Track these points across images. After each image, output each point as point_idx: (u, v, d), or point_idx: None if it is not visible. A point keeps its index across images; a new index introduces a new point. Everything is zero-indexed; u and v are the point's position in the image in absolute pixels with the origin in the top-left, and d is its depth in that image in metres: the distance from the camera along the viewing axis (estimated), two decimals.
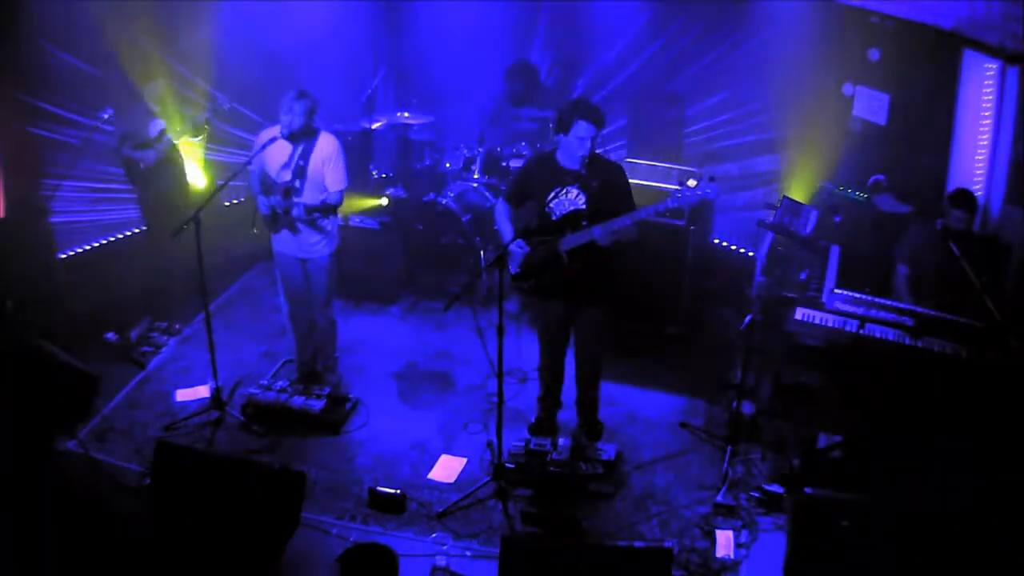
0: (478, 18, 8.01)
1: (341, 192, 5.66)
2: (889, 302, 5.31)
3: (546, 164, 5.09)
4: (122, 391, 6.06)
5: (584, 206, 4.98)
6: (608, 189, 4.96)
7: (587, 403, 5.61)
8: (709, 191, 4.77)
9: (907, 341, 5.04)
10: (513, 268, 5.13)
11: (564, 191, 5.00)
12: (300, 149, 5.55)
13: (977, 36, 5.62)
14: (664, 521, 5.05)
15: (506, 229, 5.24)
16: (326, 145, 5.58)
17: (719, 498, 5.14)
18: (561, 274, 5.07)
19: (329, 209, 5.62)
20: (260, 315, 7.09)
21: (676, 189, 4.84)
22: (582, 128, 4.85)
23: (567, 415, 5.79)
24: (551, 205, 5.05)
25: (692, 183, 4.89)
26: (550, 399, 5.66)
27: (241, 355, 6.53)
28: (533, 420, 5.74)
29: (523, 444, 5.44)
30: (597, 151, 5.03)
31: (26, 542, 4.47)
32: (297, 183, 5.56)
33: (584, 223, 4.96)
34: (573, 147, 4.92)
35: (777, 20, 7.29)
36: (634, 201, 5.00)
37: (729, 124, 7.92)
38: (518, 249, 5.08)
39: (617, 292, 5.28)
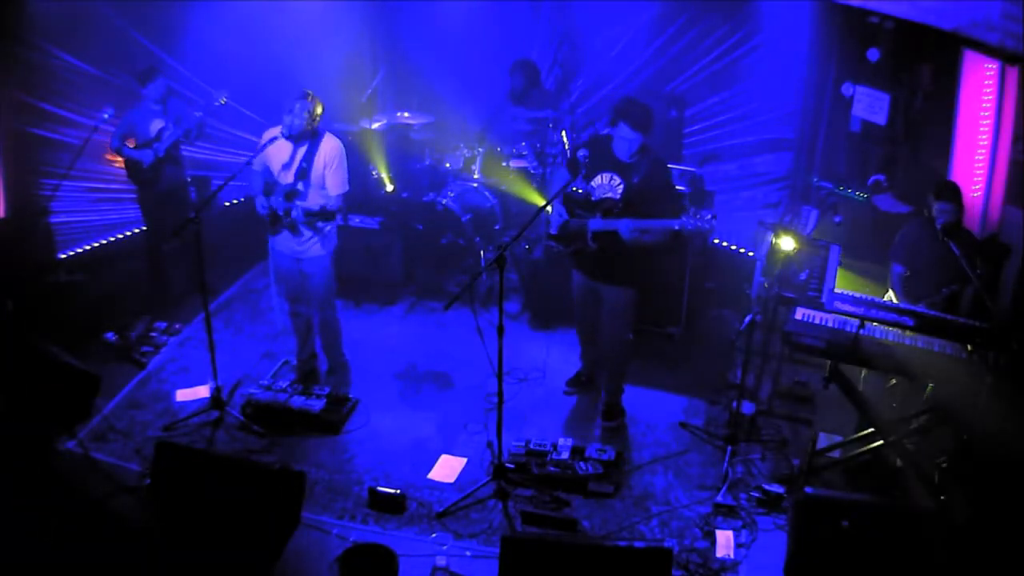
0: (478, 18, 8.01)
1: (341, 196, 5.66)
2: (889, 302, 5.32)
3: (600, 146, 5.33)
4: (122, 391, 6.06)
5: (618, 196, 5.23)
6: (646, 189, 5.19)
7: (605, 381, 5.86)
8: (707, 227, 4.96)
9: (907, 341, 5.03)
10: (552, 229, 5.49)
11: (608, 176, 5.27)
12: (304, 151, 5.55)
13: (977, 36, 5.61)
14: (664, 521, 5.06)
15: (556, 185, 5.47)
16: (329, 147, 5.56)
17: (719, 498, 5.14)
18: (584, 250, 5.37)
19: (329, 216, 5.61)
20: (260, 315, 7.09)
21: (685, 219, 4.98)
22: (622, 129, 5.16)
23: (567, 418, 5.80)
24: (592, 185, 5.32)
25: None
26: (586, 355, 6.03)
27: (241, 355, 6.53)
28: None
29: (523, 444, 5.45)
30: (654, 150, 5.30)
31: (26, 542, 4.47)
32: (300, 185, 5.56)
33: (615, 212, 5.22)
34: (617, 142, 5.21)
35: (777, 20, 7.30)
36: (671, 206, 5.17)
37: (729, 124, 7.92)
38: (558, 218, 5.43)
39: (642, 282, 5.54)
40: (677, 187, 6.48)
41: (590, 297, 5.63)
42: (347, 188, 5.67)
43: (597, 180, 5.30)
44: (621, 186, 5.23)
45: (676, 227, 4.99)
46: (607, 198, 5.27)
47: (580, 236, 5.35)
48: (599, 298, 5.58)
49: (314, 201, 5.59)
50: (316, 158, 5.54)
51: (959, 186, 5.43)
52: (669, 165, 5.41)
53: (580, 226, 5.34)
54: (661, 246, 5.21)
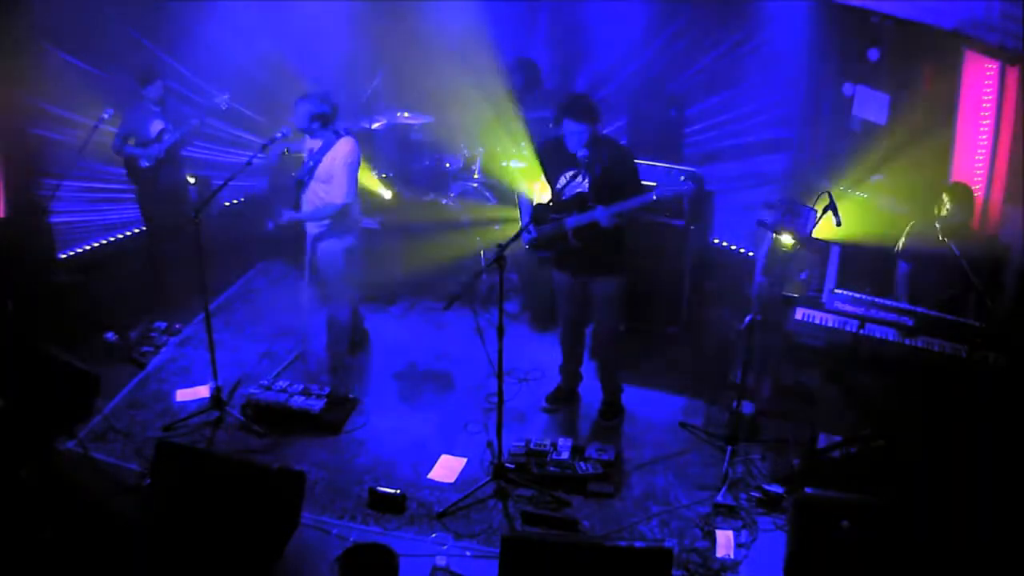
0: (478, 18, 8.00)
1: (337, 207, 5.69)
2: (889, 302, 5.31)
3: (558, 148, 5.33)
4: (122, 391, 6.06)
5: (587, 190, 5.26)
6: (611, 174, 5.22)
7: (602, 379, 5.86)
8: (684, 189, 5.16)
9: (907, 341, 5.04)
10: (526, 238, 5.42)
11: (573, 174, 5.30)
12: (318, 146, 5.67)
13: (977, 36, 5.61)
14: (664, 521, 5.05)
15: (524, 209, 5.53)
16: (337, 152, 5.66)
17: (719, 498, 5.14)
18: (567, 250, 5.38)
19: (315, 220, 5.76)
20: (260, 315, 7.09)
21: (658, 188, 5.12)
22: (567, 125, 5.16)
23: (566, 418, 5.79)
24: (560, 186, 5.35)
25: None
26: (566, 368, 5.94)
27: (241, 355, 6.53)
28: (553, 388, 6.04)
29: (523, 444, 5.45)
30: (609, 137, 5.39)
31: (26, 542, 4.47)
32: (305, 179, 5.71)
33: (590, 204, 5.23)
34: (568, 138, 5.21)
35: (777, 20, 7.30)
36: (639, 186, 5.26)
37: (729, 124, 7.92)
38: (527, 235, 5.40)
39: (629, 271, 5.55)
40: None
41: (577, 296, 5.61)
42: (345, 200, 5.68)
43: (561, 181, 5.34)
44: (586, 180, 5.26)
45: (653, 198, 5.04)
46: (577, 194, 5.30)
47: (560, 237, 5.35)
48: (588, 295, 5.57)
49: (315, 196, 5.73)
50: (326, 158, 5.65)
51: (970, 188, 5.43)
52: (625, 145, 5.47)
53: (558, 227, 5.35)
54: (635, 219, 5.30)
